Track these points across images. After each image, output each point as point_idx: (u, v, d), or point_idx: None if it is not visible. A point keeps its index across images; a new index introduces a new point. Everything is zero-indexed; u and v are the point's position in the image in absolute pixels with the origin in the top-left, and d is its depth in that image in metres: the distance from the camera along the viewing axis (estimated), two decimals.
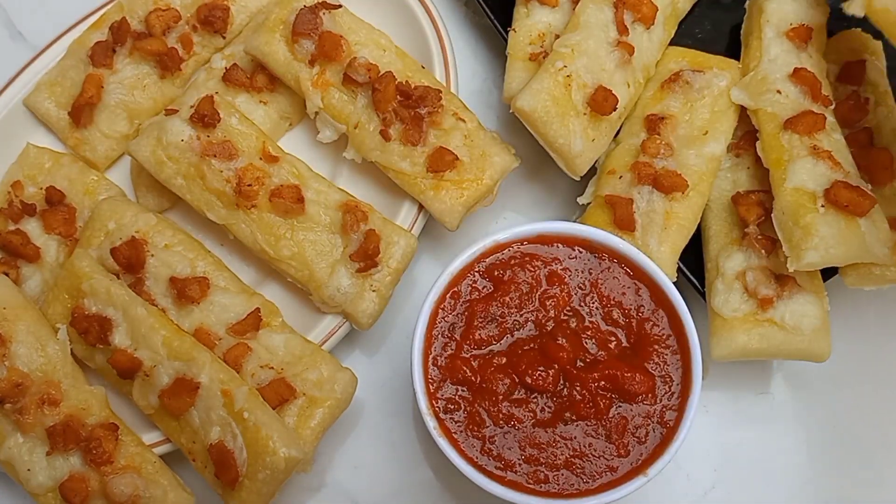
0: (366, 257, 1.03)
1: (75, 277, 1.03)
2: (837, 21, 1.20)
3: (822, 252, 0.97)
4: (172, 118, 1.07)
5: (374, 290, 1.05)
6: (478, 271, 1.00)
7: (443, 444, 0.92)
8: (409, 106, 1.09)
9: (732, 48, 1.20)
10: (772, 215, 1.03)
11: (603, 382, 0.94)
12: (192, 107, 1.07)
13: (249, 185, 1.05)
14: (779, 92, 1.08)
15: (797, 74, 1.08)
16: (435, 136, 1.10)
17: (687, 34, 1.22)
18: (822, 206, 0.99)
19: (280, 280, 1.13)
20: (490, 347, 0.96)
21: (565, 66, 1.06)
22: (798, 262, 0.98)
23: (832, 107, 1.10)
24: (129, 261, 1.05)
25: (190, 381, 0.97)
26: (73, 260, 1.05)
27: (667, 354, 0.96)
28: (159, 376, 0.98)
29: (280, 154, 1.08)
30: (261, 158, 1.07)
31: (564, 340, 0.95)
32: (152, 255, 1.06)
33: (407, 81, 1.10)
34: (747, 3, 1.22)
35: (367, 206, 1.06)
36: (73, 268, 1.04)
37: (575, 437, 0.93)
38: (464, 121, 1.11)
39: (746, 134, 1.13)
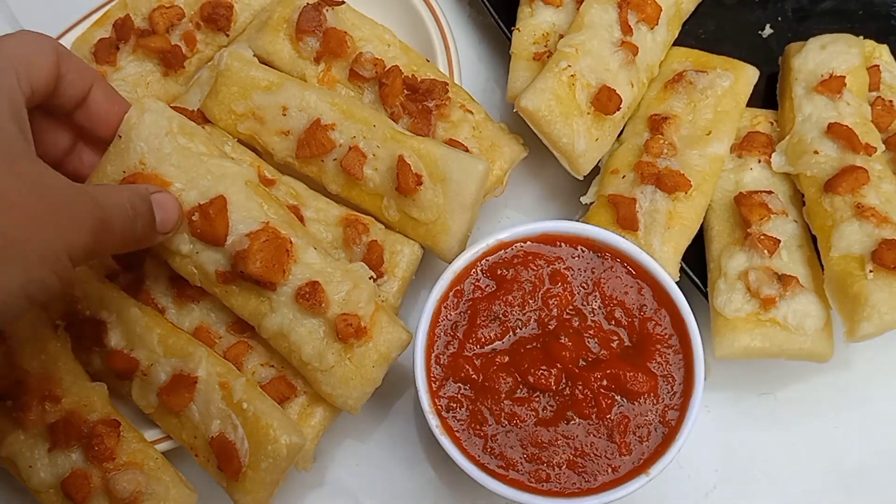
0: (370, 268, 1.04)
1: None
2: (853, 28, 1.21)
3: (875, 321, 0.95)
4: None
5: (383, 301, 1.05)
6: (481, 270, 1.00)
7: (445, 442, 0.92)
8: (416, 99, 1.09)
9: (736, 49, 1.20)
10: (824, 287, 1.01)
11: (605, 382, 0.94)
12: None
13: None
14: (816, 153, 1.05)
15: (831, 130, 1.06)
16: (444, 129, 1.10)
17: (691, 34, 1.22)
18: (871, 270, 0.97)
19: None
20: (493, 346, 0.96)
21: (569, 66, 1.06)
22: (853, 335, 0.96)
23: (880, 152, 1.07)
24: (129, 260, 1.05)
25: (187, 376, 0.97)
26: None
27: (669, 354, 0.96)
28: (157, 374, 0.98)
29: (276, 176, 1.08)
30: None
31: (567, 339, 0.95)
32: (152, 254, 1.06)
33: (413, 75, 1.11)
34: (780, 60, 1.21)
35: (368, 218, 1.06)
36: None
37: (577, 436, 0.93)
38: (471, 112, 1.11)
39: (749, 134, 1.13)
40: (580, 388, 0.93)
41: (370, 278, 0.98)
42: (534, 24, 1.16)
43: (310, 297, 0.94)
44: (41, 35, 0.86)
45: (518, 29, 1.16)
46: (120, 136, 0.95)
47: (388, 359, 0.98)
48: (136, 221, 0.85)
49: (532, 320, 0.97)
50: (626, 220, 1.04)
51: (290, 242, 0.95)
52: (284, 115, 1.06)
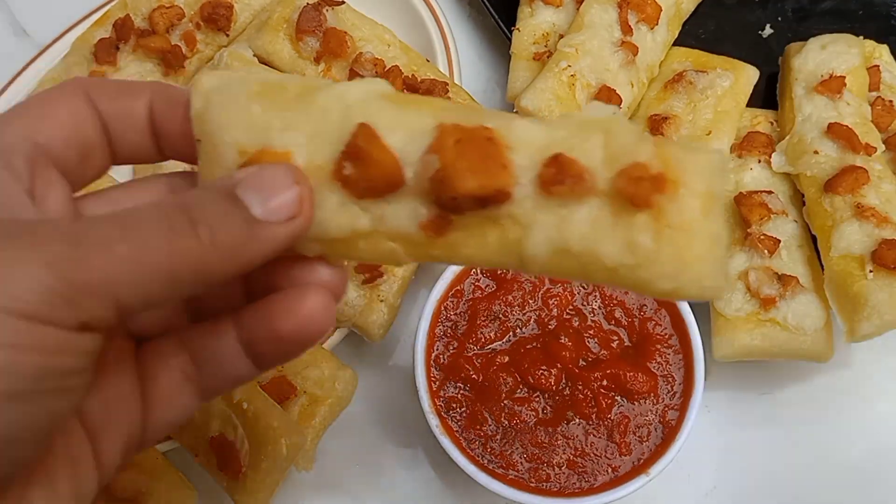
0: (370, 268, 1.03)
1: None
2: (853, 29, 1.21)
3: (875, 321, 0.94)
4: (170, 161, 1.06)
5: (382, 301, 1.05)
6: (481, 269, 1.00)
7: (445, 442, 0.92)
8: None
9: (736, 49, 1.20)
10: (824, 287, 1.01)
11: (605, 382, 0.94)
12: None
13: None
14: (816, 153, 1.05)
15: (831, 130, 1.06)
16: None
17: (691, 35, 1.22)
18: (871, 270, 0.96)
19: None
20: (492, 346, 0.96)
21: (569, 66, 1.06)
22: (853, 335, 0.96)
23: (880, 152, 1.06)
24: None
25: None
26: None
27: (669, 354, 0.96)
28: None
29: None
30: None
31: (567, 339, 0.95)
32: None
33: (413, 75, 1.11)
34: (780, 60, 1.21)
35: None
36: None
37: (577, 436, 0.93)
38: None
39: (749, 134, 1.13)
40: (580, 388, 0.93)
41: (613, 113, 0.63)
42: (534, 24, 1.17)
43: (562, 174, 0.57)
44: (62, 86, 0.57)
45: (518, 29, 1.17)
46: (199, 140, 0.63)
47: (716, 197, 0.58)
48: (200, 230, 0.50)
49: (532, 320, 0.97)
50: None
51: (485, 128, 0.59)
52: None
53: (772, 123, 1.16)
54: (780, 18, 1.28)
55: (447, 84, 1.10)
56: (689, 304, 0.96)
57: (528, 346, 0.96)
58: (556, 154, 0.55)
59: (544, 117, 0.58)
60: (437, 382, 0.95)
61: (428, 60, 1.16)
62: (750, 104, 1.15)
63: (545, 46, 1.15)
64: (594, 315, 0.98)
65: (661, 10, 1.12)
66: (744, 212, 1.06)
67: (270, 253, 0.53)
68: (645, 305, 0.98)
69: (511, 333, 0.97)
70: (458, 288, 0.99)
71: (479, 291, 0.99)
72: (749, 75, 1.15)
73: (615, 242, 0.55)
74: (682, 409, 0.93)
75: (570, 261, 0.57)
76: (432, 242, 0.58)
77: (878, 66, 1.16)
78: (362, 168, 0.56)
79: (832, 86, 1.10)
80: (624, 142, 0.55)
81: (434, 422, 0.93)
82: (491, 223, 0.57)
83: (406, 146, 0.56)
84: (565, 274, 0.58)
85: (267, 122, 0.58)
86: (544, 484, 0.92)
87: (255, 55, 1.14)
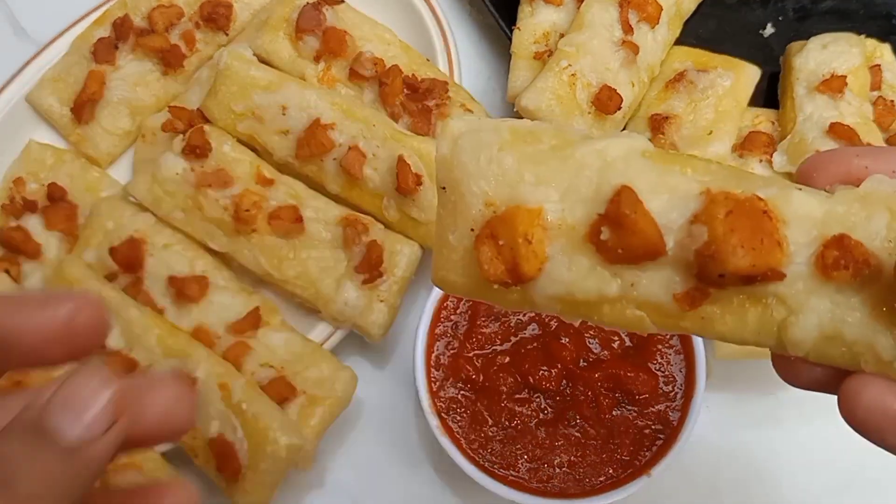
0: (370, 268, 1.03)
1: (66, 284, 1.03)
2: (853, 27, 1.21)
3: None
4: (165, 154, 1.07)
5: (382, 301, 1.05)
6: None
7: (445, 442, 0.92)
8: (416, 99, 1.09)
9: (737, 48, 1.20)
10: None
11: (606, 382, 0.93)
12: (183, 139, 1.06)
13: (247, 211, 1.03)
14: (818, 152, 1.05)
15: (833, 129, 1.06)
16: None
17: (692, 34, 1.22)
18: None
19: None
20: (493, 347, 0.96)
21: (570, 65, 1.06)
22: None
23: None
24: (128, 260, 1.04)
25: (186, 377, 0.96)
26: (64, 267, 1.04)
27: (670, 354, 0.96)
28: None
29: (275, 176, 1.07)
30: (256, 183, 1.06)
31: (567, 340, 0.95)
32: (151, 255, 1.05)
33: (413, 74, 1.11)
34: (781, 59, 1.21)
35: (368, 218, 1.06)
36: (64, 274, 1.03)
37: (578, 437, 0.93)
38: (472, 112, 1.11)
39: (750, 134, 1.13)
40: (581, 388, 0.93)
41: None
42: (534, 23, 1.16)
43: (846, 258, 0.53)
44: None
45: (518, 28, 1.16)
46: (443, 188, 0.58)
47: None
48: (17, 488, 0.44)
49: (533, 321, 0.97)
50: None
51: (759, 199, 0.55)
52: (284, 114, 1.05)
53: (773, 123, 1.15)
54: (781, 18, 1.28)
55: (447, 83, 1.10)
56: None
57: (528, 347, 0.95)
58: (840, 235, 0.51)
59: (821, 189, 0.57)
60: (438, 383, 0.95)
61: (428, 60, 1.16)
62: (751, 104, 1.15)
63: (546, 46, 1.15)
64: None
65: (662, 10, 1.12)
66: None
67: (101, 470, 0.47)
68: None
69: (512, 334, 0.97)
70: None
71: None
72: (750, 75, 1.15)
73: (894, 334, 0.51)
74: (684, 409, 0.93)
75: (838, 349, 0.53)
76: (684, 314, 0.55)
77: (880, 65, 1.16)
78: (622, 235, 0.53)
79: (833, 85, 1.10)
80: None
81: (434, 422, 0.92)
82: (752, 301, 0.53)
83: (668, 212, 0.53)
84: (826, 359, 0.54)
85: (519, 174, 0.55)
86: (545, 485, 0.91)
87: (254, 54, 1.13)
